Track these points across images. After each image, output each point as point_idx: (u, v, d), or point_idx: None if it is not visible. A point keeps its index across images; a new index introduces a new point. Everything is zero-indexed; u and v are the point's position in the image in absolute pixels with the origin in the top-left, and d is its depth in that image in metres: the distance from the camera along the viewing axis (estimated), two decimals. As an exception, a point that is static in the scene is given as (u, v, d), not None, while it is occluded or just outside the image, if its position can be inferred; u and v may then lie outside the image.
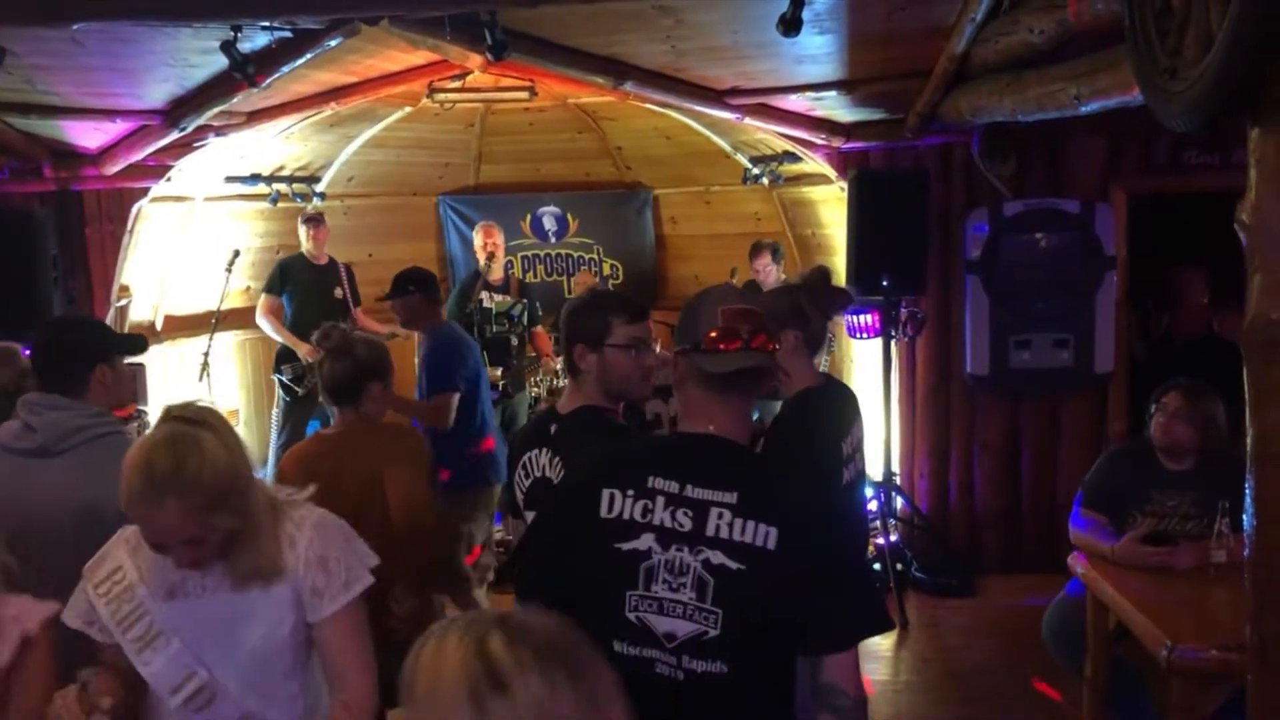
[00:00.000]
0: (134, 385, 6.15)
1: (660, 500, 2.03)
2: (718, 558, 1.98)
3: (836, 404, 3.38)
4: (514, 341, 6.69)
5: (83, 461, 2.72)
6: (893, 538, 5.96)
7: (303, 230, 7.07)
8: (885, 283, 5.79)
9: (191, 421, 2.06)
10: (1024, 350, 5.93)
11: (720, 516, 2.00)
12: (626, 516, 2.04)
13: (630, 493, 2.05)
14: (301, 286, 7.00)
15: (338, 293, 7.09)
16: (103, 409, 2.87)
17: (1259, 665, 2.45)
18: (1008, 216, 5.86)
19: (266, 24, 4.31)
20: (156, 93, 5.27)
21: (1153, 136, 5.81)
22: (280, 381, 6.95)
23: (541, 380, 7.06)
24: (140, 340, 3.20)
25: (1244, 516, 2.53)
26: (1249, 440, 2.43)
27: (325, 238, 7.10)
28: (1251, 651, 2.47)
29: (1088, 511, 4.12)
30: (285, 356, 6.94)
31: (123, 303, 6.45)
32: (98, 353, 2.92)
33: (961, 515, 6.34)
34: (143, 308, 6.78)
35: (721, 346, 2.06)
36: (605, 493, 2.06)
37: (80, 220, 6.16)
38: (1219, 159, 5.72)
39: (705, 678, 1.99)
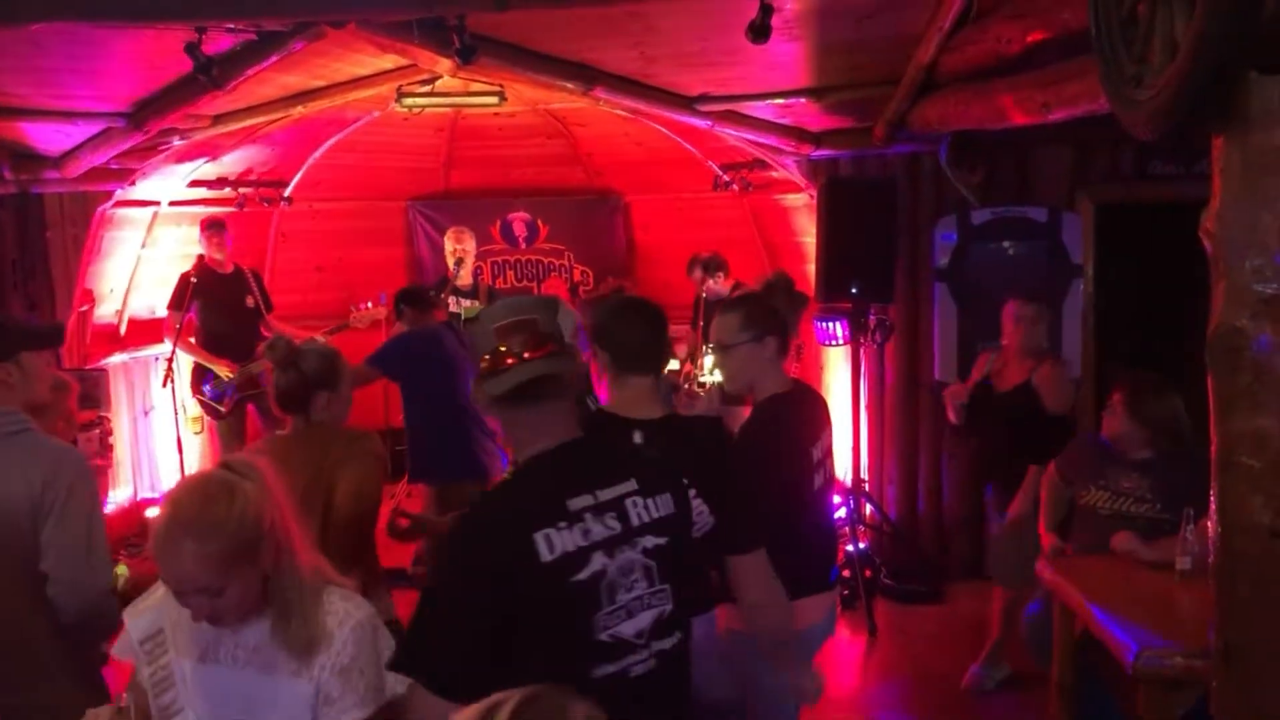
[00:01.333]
0: (97, 389, 6.09)
1: (588, 516, 2.04)
2: (649, 540, 2.10)
3: (807, 409, 3.38)
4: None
5: None
6: (861, 544, 5.97)
7: (203, 237, 6.77)
8: (854, 290, 5.81)
9: (234, 470, 1.99)
10: (992, 357, 5.94)
11: (634, 504, 2.11)
12: (570, 548, 1.99)
13: (562, 525, 2.00)
14: (211, 298, 6.70)
15: (249, 301, 6.86)
16: (12, 409, 2.75)
17: (1224, 671, 2.45)
18: (976, 224, 5.89)
19: (231, 26, 4.25)
20: (119, 95, 5.20)
21: (1119, 146, 5.86)
22: (201, 404, 6.74)
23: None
24: (53, 331, 3.13)
25: (1208, 523, 2.54)
26: (1214, 448, 2.44)
27: (228, 245, 6.82)
28: (1216, 658, 2.48)
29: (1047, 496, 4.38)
30: (202, 375, 6.70)
31: (85, 308, 6.36)
32: (11, 348, 2.82)
33: (930, 521, 6.36)
34: (106, 313, 6.68)
35: (498, 365, 2.07)
36: (538, 537, 1.97)
37: (41, 224, 6.05)
38: (1184, 169, 5.78)
39: (670, 652, 2.12)
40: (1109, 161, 5.95)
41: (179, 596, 1.95)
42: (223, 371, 6.59)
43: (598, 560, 2.01)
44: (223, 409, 6.64)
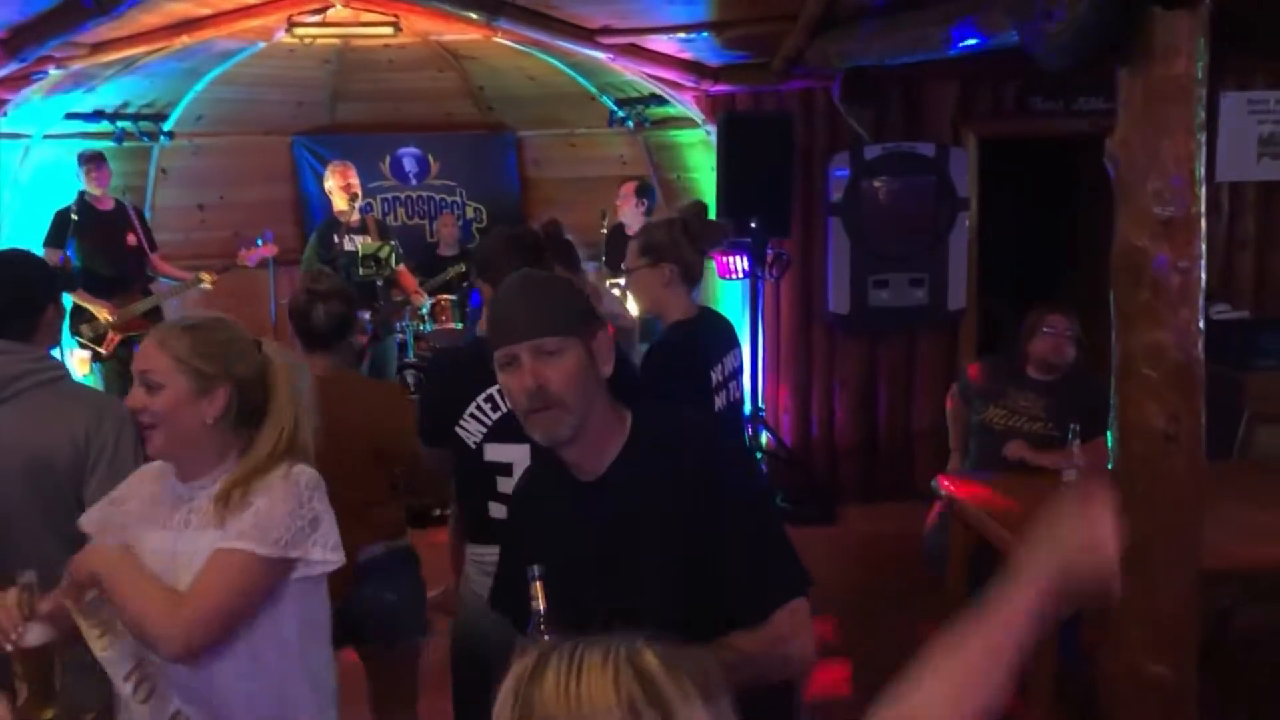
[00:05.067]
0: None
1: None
2: None
3: (709, 334, 3.49)
4: (379, 284, 6.58)
5: (30, 409, 2.54)
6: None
7: (81, 171, 6.41)
8: (753, 225, 5.93)
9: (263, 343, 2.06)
10: (882, 289, 6.20)
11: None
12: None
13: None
14: (89, 236, 6.37)
15: (130, 239, 6.56)
16: (44, 353, 2.69)
17: (1121, 566, 2.67)
18: (868, 160, 6.08)
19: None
20: (-6, 19, 4.94)
21: (1002, 82, 6.10)
22: (80, 344, 6.40)
23: (408, 324, 6.99)
24: (73, 279, 3.03)
25: (1108, 430, 2.75)
26: (1114, 359, 2.64)
27: (108, 179, 6.51)
28: (1114, 553, 2.70)
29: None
30: (80, 316, 6.36)
31: (-44, 246, 6.06)
32: (47, 291, 2.72)
33: (822, 448, 6.61)
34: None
35: None
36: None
37: (-95, 157, 5.76)
38: (1063, 105, 6.06)
39: None
40: (992, 97, 6.19)
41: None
42: (102, 314, 6.32)
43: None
44: (103, 351, 6.40)
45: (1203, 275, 2.50)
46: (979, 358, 6.25)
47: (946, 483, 4.31)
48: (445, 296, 7.14)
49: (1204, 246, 2.49)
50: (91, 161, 6.44)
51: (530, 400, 1.77)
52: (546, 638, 1.71)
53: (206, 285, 6.50)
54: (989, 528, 3.79)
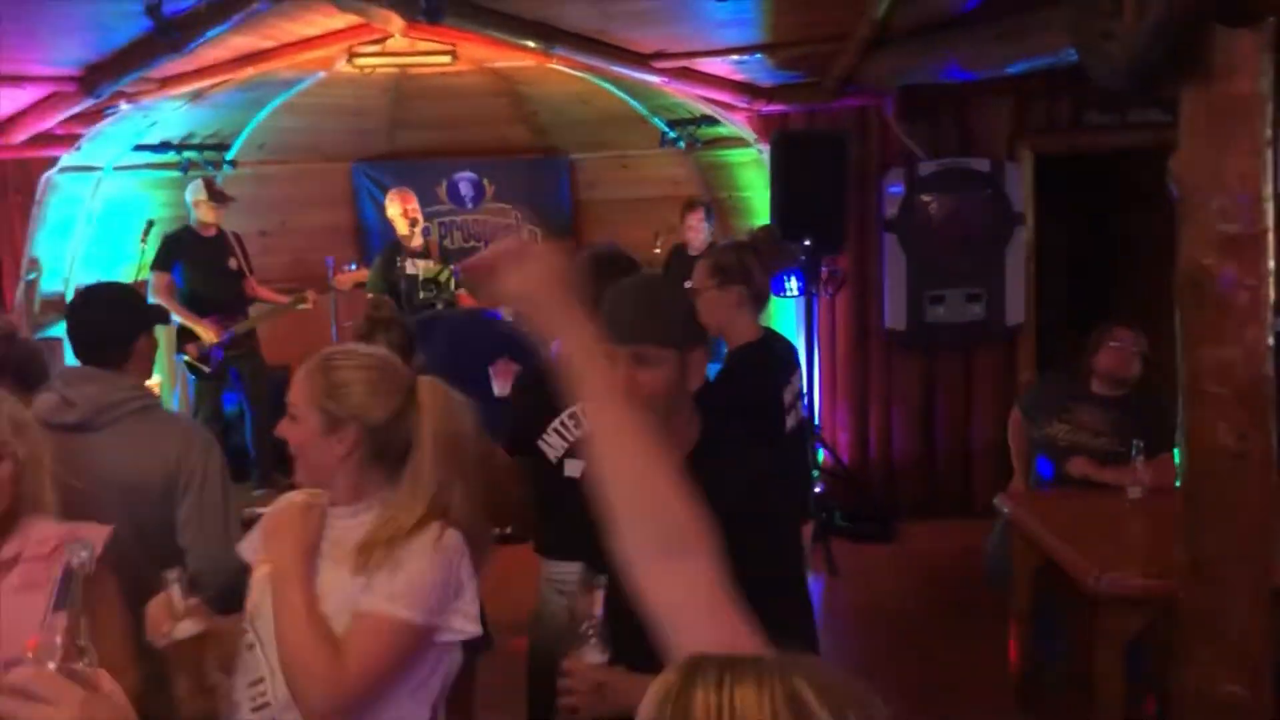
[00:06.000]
0: (50, 359, 6.00)
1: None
2: None
3: (776, 356, 3.53)
4: (439, 307, 6.69)
5: (126, 436, 2.64)
6: (816, 488, 6.17)
7: (204, 201, 6.67)
8: (807, 242, 5.95)
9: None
10: (939, 305, 6.18)
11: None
12: None
13: None
14: (193, 261, 6.65)
15: (232, 264, 6.81)
16: (137, 382, 2.80)
17: (1192, 584, 2.67)
18: (922, 176, 6.08)
19: (194, -13, 4.23)
20: (70, 58, 5.11)
21: (1056, 97, 6.08)
22: (186, 363, 6.69)
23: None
24: (165, 312, 3.14)
25: (1174, 447, 2.75)
26: (1181, 377, 2.64)
27: (224, 214, 6.78)
28: (1184, 571, 2.69)
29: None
30: (187, 335, 6.62)
31: (32, 276, 6.25)
32: (141, 321, 2.84)
33: (880, 465, 6.59)
34: (53, 281, 6.57)
35: None
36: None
37: (-15, 192, 5.96)
38: (1119, 118, 6.02)
39: None
40: (1047, 112, 6.17)
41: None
42: (206, 334, 6.55)
43: None
44: (207, 369, 6.62)
45: (1271, 292, 2.50)
46: (1038, 373, 6.24)
47: (1008, 500, 4.31)
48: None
49: (1272, 263, 2.49)
50: (219, 198, 6.71)
51: None
52: (593, 641, 1.85)
53: (307, 306, 6.69)
54: (1052, 546, 3.78)
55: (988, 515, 4.71)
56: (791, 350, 3.65)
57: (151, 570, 2.37)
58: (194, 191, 6.73)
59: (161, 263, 6.61)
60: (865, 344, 6.47)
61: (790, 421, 3.45)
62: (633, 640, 1.69)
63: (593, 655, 1.88)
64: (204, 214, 6.71)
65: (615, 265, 2.95)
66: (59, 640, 1.15)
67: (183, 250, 6.64)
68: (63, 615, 1.18)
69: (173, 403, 7.03)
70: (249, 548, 2.14)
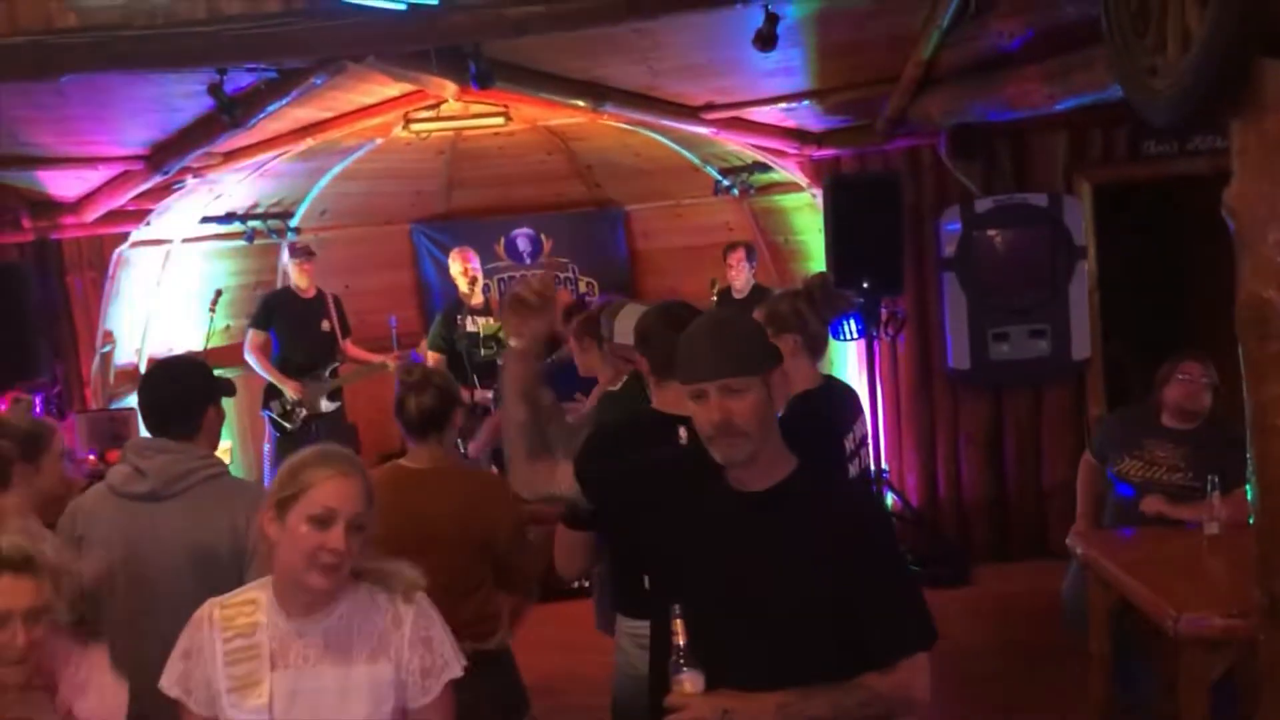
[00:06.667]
0: (124, 429, 6.17)
1: None
2: None
3: (836, 403, 3.51)
4: (500, 363, 6.75)
5: (195, 504, 2.73)
6: (886, 533, 6.08)
7: (291, 263, 7.00)
8: (865, 284, 5.93)
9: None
10: (1002, 342, 6.10)
11: None
12: None
13: None
14: (289, 321, 6.92)
15: (325, 325, 7.03)
16: (206, 451, 2.89)
17: (1270, 624, 2.58)
18: (979, 213, 6.04)
19: (253, 66, 4.37)
20: (138, 138, 5.31)
21: (1112, 128, 6.00)
22: (269, 418, 6.94)
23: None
24: (232, 385, 3.24)
25: (1247, 486, 2.67)
26: (1248, 412, 2.57)
27: (313, 270, 7.04)
28: (1261, 612, 2.60)
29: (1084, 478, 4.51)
30: (273, 392, 6.89)
31: (107, 348, 6.45)
32: (209, 394, 2.94)
33: (950, 507, 6.49)
34: (126, 352, 6.77)
35: None
36: None
37: (60, 269, 6.17)
38: (1176, 148, 5.93)
39: None
40: (1104, 144, 6.09)
41: (323, 522, 2.07)
42: (291, 392, 6.71)
43: None
44: (289, 425, 6.77)
45: (1336, 324, 2.43)
46: (1108, 408, 6.11)
47: (1080, 540, 4.22)
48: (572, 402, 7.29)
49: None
50: (300, 254, 6.97)
51: (716, 430, 2.01)
52: (686, 670, 1.98)
53: (390, 370, 6.85)
54: (1130, 587, 3.68)
55: (1062, 556, 4.62)
56: (852, 396, 3.62)
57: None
58: (286, 255, 6.99)
59: (259, 321, 6.89)
60: (929, 385, 6.40)
61: (853, 470, 3.43)
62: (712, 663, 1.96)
63: (692, 682, 1.98)
64: (296, 276, 6.97)
65: (682, 315, 2.96)
66: None
67: (279, 310, 6.91)
68: None
69: (264, 457, 7.21)
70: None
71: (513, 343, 2.39)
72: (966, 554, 6.30)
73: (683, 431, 2.86)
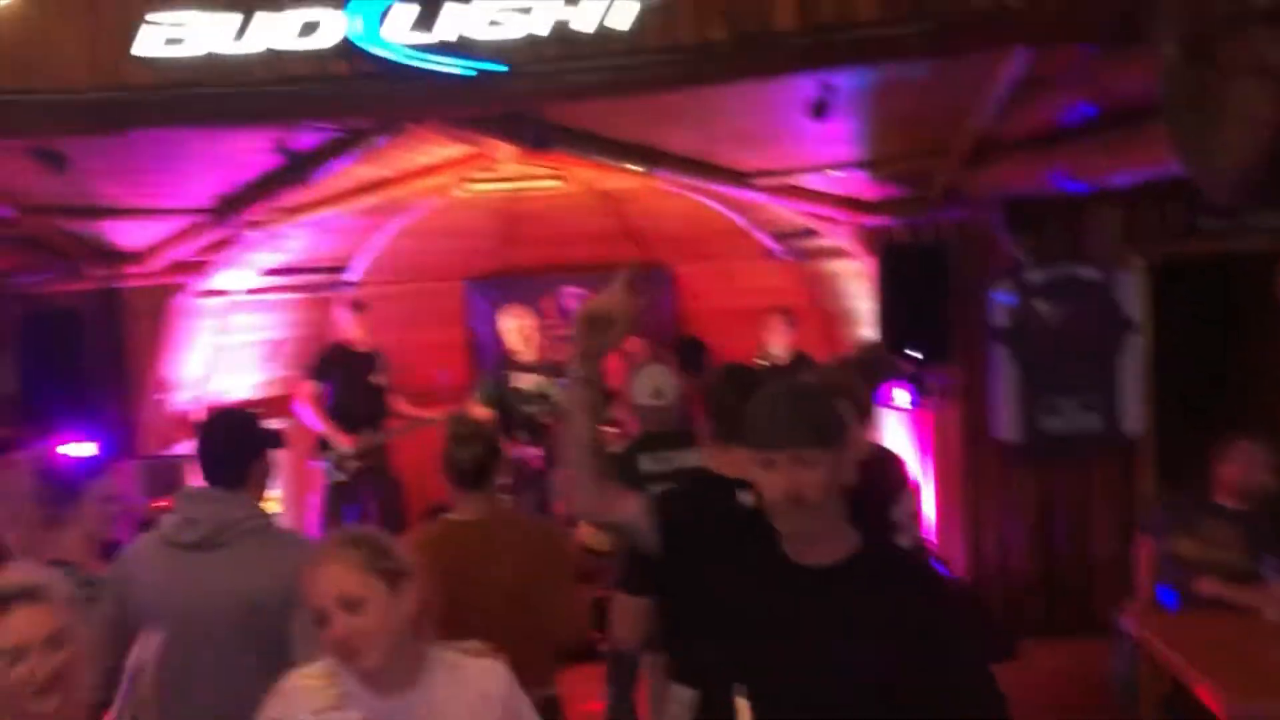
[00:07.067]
0: (174, 477, 6.25)
1: None
2: None
3: (888, 473, 3.48)
4: (545, 421, 6.79)
5: (243, 554, 2.77)
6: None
7: (347, 317, 7.12)
8: (914, 353, 5.91)
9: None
10: (1053, 414, 6.04)
11: None
12: None
13: None
14: (344, 374, 6.99)
15: (377, 379, 7.13)
16: (255, 501, 2.94)
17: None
18: (1030, 284, 6.00)
19: (320, 125, 4.49)
20: (204, 191, 5.44)
21: (1168, 203, 5.96)
22: (325, 470, 6.94)
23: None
24: (281, 436, 3.31)
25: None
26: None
27: (366, 323, 7.14)
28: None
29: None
30: (327, 444, 6.93)
31: (163, 396, 6.55)
32: (260, 445, 3.00)
33: (998, 580, 6.38)
34: (182, 401, 6.87)
35: None
36: None
37: (122, 318, 6.28)
38: (1235, 224, 5.87)
39: None
40: (1158, 218, 6.05)
41: (321, 621, 2.03)
42: (342, 445, 6.79)
43: None
44: (344, 477, 6.84)
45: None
46: (1160, 485, 6.01)
47: (1134, 619, 4.14)
48: (609, 429, 7.30)
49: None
50: (355, 308, 7.09)
51: (785, 500, 1.98)
52: None
53: (440, 422, 6.92)
54: (1185, 671, 3.61)
55: (1112, 633, 4.53)
56: (902, 467, 3.60)
57: (260, 682, 2.46)
58: (341, 309, 7.12)
59: (315, 373, 6.96)
60: (978, 456, 6.33)
61: (904, 540, 3.39)
62: None
63: None
64: (351, 329, 7.07)
65: (748, 380, 2.97)
66: None
67: (335, 363, 6.99)
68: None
69: (308, 511, 7.26)
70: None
71: (580, 364, 2.36)
72: (1014, 629, 6.19)
73: (745, 495, 2.86)
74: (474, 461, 3.19)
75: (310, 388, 6.92)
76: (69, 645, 2.09)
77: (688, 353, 6.65)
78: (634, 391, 4.11)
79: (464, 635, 2.22)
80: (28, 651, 2.03)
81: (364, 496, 6.97)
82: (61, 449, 5.17)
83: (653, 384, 4.08)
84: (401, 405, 7.17)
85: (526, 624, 3.09)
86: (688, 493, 2.91)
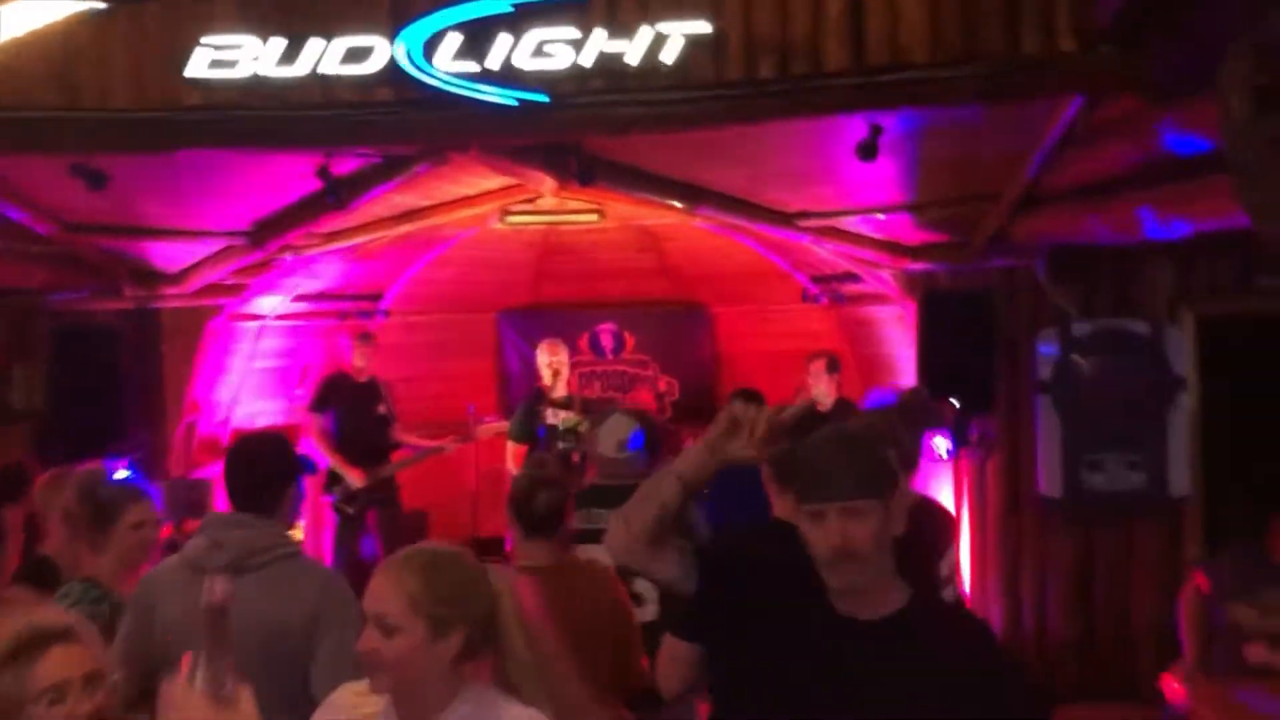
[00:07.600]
0: (203, 498, 6.22)
1: None
2: None
3: (933, 525, 3.36)
4: (575, 459, 6.70)
5: (270, 580, 2.73)
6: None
7: (357, 348, 7.04)
8: (955, 402, 5.79)
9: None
10: (1096, 471, 5.86)
11: None
12: None
13: None
14: (346, 404, 6.92)
15: (381, 409, 7.05)
16: (283, 528, 2.91)
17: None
18: (1076, 337, 5.86)
19: (361, 151, 4.46)
20: (244, 215, 5.43)
21: (1221, 257, 5.82)
22: (334, 505, 6.89)
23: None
24: (313, 463, 3.27)
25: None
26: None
27: (373, 354, 7.09)
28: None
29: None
30: (334, 478, 6.84)
31: (193, 418, 6.54)
32: (290, 472, 2.97)
33: (1035, 641, 6.20)
34: (211, 423, 6.86)
35: None
36: None
37: (157, 337, 6.28)
38: (1289, 280, 5.72)
39: None
40: (1210, 274, 5.90)
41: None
42: (352, 478, 6.73)
43: None
44: (351, 510, 6.77)
45: None
46: (1207, 548, 5.82)
47: (1180, 687, 3.97)
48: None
49: None
50: (363, 339, 7.06)
51: (834, 555, 1.91)
52: None
53: (448, 452, 6.83)
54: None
55: (1153, 700, 4.37)
56: (948, 519, 3.48)
57: (280, 710, 2.37)
58: (347, 338, 7.08)
59: (317, 405, 6.90)
60: (1018, 511, 6.16)
61: (947, 596, 3.27)
62: None
63: None
64: (356, 359, 7.00)
65: (807, 421, 2.87)
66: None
67: (336, 394, 6.91)
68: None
69: (324, 544, 7.20)
70: None
71: (709, 451, 2.19)
72: (1051, 692, 6.00)
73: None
74: (549, 508, 3.11)
75: (315, 420, 6.84)
76: (105, 685, 2.06)
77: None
78: (599, 440, 3.89)
79: (533, 682, 2.09)
80: (67, 692, 1.98)
81: (373, 528, 6.90)
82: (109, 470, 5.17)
83: (616, 437, 3.80)
84: (406, 436, 7.12)
85: (595, 671, 2.98)
86: (739, 540, 2.81)
